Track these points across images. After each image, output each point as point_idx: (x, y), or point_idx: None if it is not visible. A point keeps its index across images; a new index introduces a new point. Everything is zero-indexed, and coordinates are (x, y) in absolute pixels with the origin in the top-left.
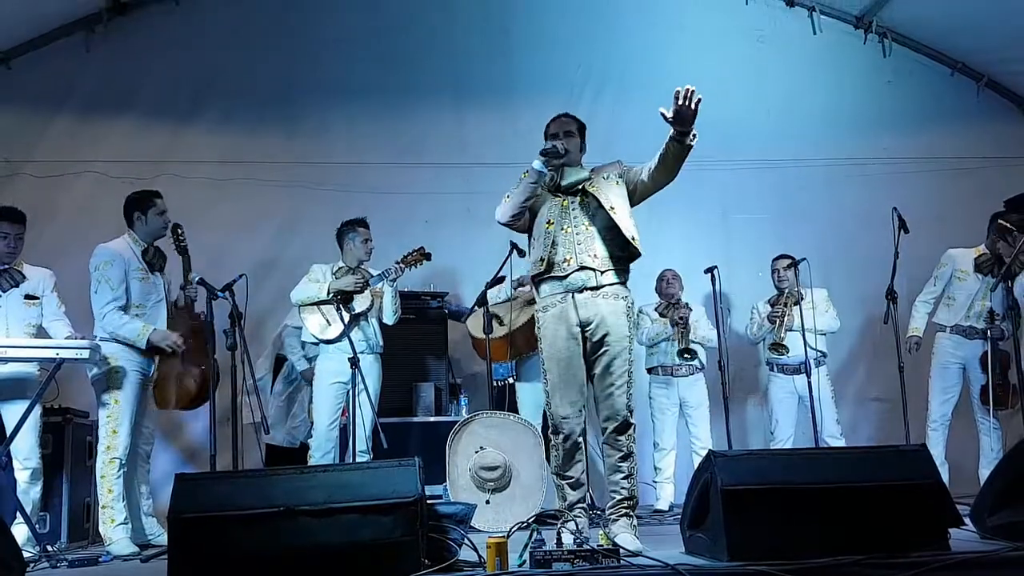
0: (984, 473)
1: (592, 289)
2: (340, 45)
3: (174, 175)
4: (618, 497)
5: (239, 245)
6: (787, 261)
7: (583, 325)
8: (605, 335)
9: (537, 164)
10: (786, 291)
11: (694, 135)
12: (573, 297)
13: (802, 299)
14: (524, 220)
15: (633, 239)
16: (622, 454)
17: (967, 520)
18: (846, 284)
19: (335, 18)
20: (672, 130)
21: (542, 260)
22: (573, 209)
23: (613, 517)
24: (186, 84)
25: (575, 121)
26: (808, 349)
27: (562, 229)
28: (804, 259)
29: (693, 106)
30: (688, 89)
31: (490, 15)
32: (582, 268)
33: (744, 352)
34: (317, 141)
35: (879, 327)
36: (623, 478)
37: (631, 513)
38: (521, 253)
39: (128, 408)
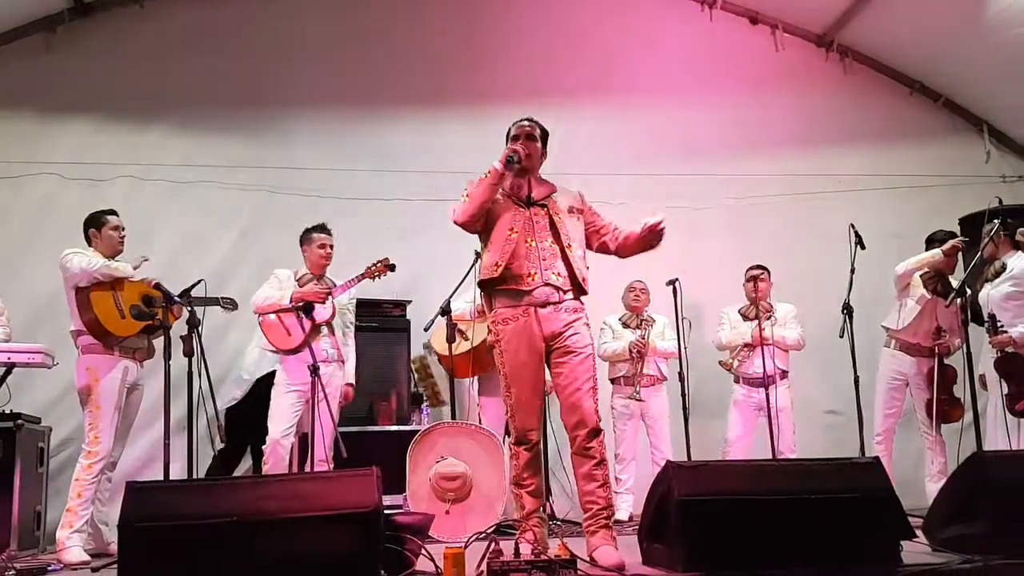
0: (930, 487)
1: (554, 304)
2: (307, 51)
3: (133, 177)
4: (595, 508)
5: (199, 250)
6: (759, 272)
7: (548, 339)
8: (570, 343)
9: (499, 166)
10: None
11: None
12: (536, 312)
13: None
14: (481, 223)
15: (583, 280)
16: (595, 461)
17: (919, 532)
18: (804, 298)
19: (303, 24)
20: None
21: (497, 266)
22: (539, 223)
23: (592, 529)
24: (148, 86)
25: (538, 126)
26: (771, 363)
27: (526, 242)
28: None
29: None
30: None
31: (459, 25)
32: (546, 284)
33: (705, 364)
34: (282, 146)
35: (835, 341)
36: (598, 487)
37: (610, 524)
38: None
39: (110, 414)
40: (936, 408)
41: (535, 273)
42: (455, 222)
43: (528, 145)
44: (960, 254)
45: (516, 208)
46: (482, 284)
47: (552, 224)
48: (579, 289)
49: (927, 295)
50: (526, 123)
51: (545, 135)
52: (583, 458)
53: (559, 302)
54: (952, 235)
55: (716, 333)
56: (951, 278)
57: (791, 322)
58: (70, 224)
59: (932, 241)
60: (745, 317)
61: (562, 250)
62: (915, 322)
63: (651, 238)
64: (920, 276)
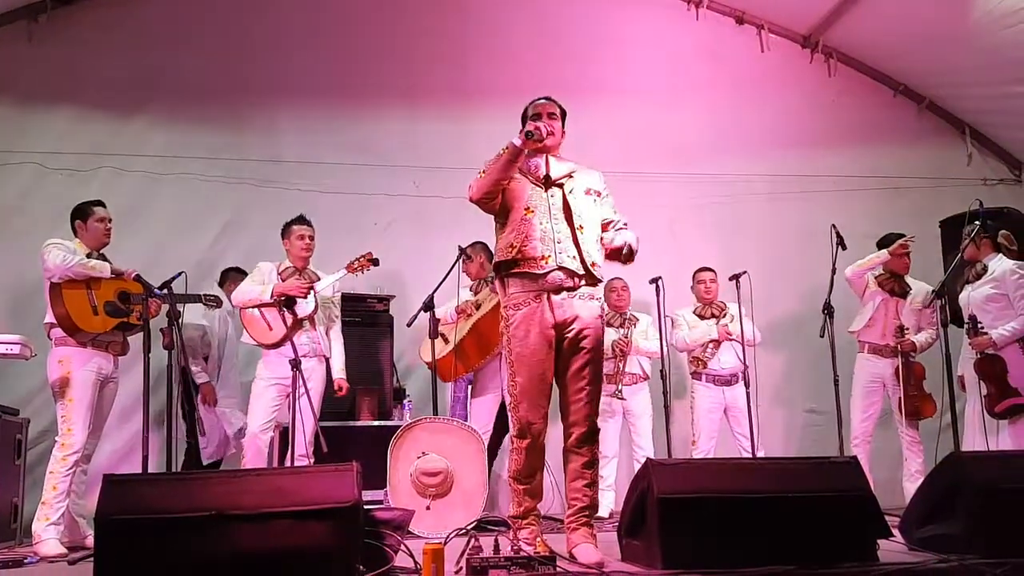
0: (908, 486)
1: (569, 290)
2: (292, 43)
3: (114, 168)
4: (579, 505)
5: (180, 242)
6: (711, 274)
7: (559, 327)
8: (582, 337)
9: (517, 142)
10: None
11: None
12: (548, 298)
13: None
14: (497, 200)
15: (593, 265)
16: (586, 460)
17: (896, 532)
18: (785, 298)
19: (288, 16)
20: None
21: (512, 247)
22: (554, 204)
23: (573, 526)
24: (130, 77)
25: (557, 104)
26: (738, 360)
27: (541, 224)
28: (745, 272)
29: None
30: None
31: (446, 21)
32: (560, 268)
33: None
34: (264, 138)
35: (815, 341)
36: (586, 485)
37: (591, 522)
38: (469, 257)
39: (83, 407)
40: (905, 404)
41: (549, 256)
42: (471, 199)
43: (550, 124)
44: (937, 254)
45: (533, 188)
46: (497, 267)
47: (567, 205)
48: (590, 275)
49: (884, 295)
50: (543, 101)
51: (564, 114)
52: (575, 456)
53: (574, 288)
54: (901, 236)
55: (675, 335)
56: (908, 278)
57: (746, 319)
58: (50, 214)
59: (884, 244)
60: (701, 317)
61: (573, 232)
62: (878, 324)
63: (613, 258)
64: (875, 277)
